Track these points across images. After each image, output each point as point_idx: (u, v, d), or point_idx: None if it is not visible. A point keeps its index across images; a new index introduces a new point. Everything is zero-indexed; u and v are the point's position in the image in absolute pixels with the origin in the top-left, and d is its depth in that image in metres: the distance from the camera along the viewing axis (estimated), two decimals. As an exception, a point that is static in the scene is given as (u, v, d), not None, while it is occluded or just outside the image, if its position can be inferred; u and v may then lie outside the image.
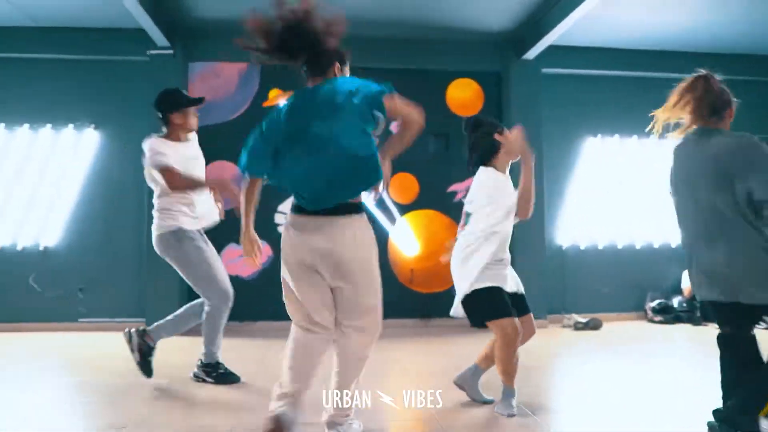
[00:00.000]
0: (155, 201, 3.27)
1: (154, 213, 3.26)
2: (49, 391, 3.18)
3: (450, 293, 5.79)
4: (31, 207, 5.45)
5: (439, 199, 5.73)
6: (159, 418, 2.63)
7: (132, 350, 3.16)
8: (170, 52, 5.33)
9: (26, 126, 5.44)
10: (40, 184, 5.45)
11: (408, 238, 5.66)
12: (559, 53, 5.65)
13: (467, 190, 5.71)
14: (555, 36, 5.00)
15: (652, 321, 5.67)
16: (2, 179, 5.41)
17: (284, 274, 2.24)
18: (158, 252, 3.23)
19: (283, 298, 2.26)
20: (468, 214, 2.83)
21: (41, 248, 5.40)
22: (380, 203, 5.67)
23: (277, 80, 5.67)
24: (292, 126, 2.09)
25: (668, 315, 5.64)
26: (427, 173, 5.71)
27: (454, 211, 5.70)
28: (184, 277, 3.31)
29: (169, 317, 3.30)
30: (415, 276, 5.67)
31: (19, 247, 5.39)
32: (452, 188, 5.75)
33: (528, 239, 5.56)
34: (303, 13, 2.06)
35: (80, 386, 3.30)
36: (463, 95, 5.83)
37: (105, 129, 5.51)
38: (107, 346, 4.37)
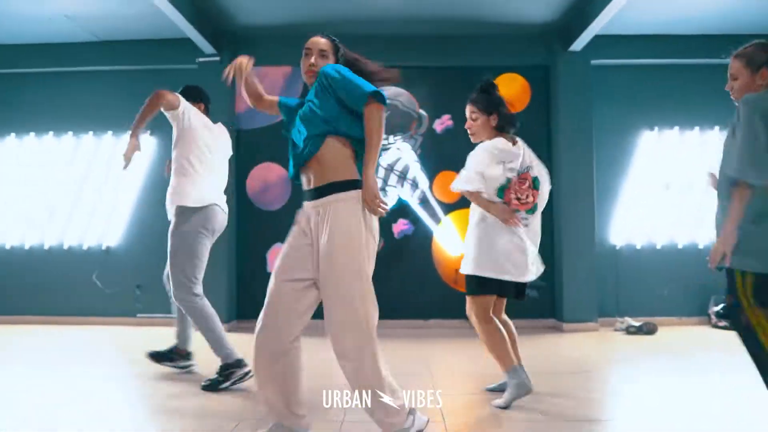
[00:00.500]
0: None
1: None
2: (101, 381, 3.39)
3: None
4: (95, 209, 5.84)
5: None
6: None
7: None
8: (217, 58, 5.53)
9: (90, 133, 5.84)
10: (103, 188, 5.83)
11: (453, 237, 5.56)
12: (609, 43, 5.36)
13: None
14: (600, 25, 4.74)
15: (716, 326, 5.25)
16: (70, 184, 5.83)
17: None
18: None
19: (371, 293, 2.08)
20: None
21: (104, 248, 5.76)
22: (424, 202, 5.62)
23: (320, 82, 5.74)
24: None
25: (735, 320, 5.21)
26: (471, 171, 5.60)
27: (499, 209, 5.58)
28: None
29: None
30: (460, 277, 5.55)
31: (84, 247, 5.79)
32: (494, 186, 5.60)
33: (577, 238, 5.34)
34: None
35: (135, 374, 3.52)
36: (509, 91, 5.65)
37: (159, 135, 5.79)
38: (159, 340, 4.61)
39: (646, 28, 5.29)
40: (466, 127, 3.04)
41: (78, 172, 5.82)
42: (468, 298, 2.88)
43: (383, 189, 5.61)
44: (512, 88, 5.67)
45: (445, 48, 5.66)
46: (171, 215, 3.32)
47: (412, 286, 5.56)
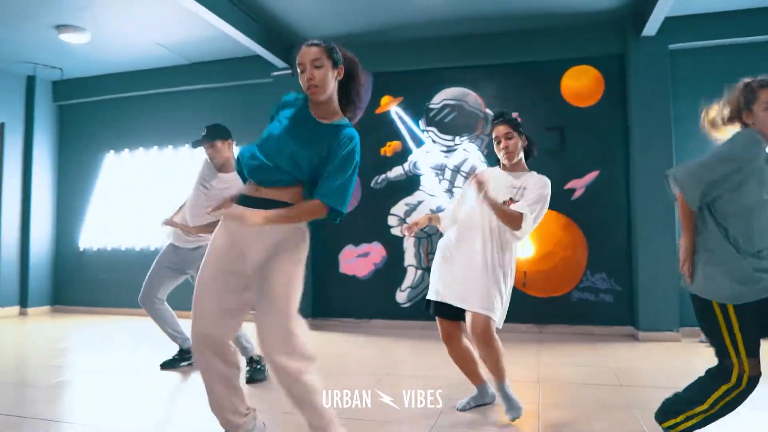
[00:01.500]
0: None
1: None
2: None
3: (569, 298, 5.43)
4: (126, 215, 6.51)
5: (554, 197, 5.30)
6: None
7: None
8: (289, 71, 5.85)
9: (186, 146, 6.48)
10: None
11: (520, 239, 5.39)
12: (687, 24, 4.86)
13: (586, 187, 5.32)
14: (670, 4, 4.30)
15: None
16: (169, 192, 6.51)
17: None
18: None
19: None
20: None
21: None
22: (490, 203, 5.50)
23: (388, 88, 5.85)
24: None
25: None
26: (540, 170, 5.35)
27: (571, 209, 5.31)
28: None
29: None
30: (528, 279, 5.39)
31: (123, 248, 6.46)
32: (570, 185, 5.33)
33: (655, 241, 4.92)
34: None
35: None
36: (580, 84, 5.34)
37: (244, 145, 6.26)
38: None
39: (729, 3, 4.71)
40: (502, 147, 2.80)
41: (175, 181, 6.50)
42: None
43: (450, 190, 5.59)
44: (584, 80, 5.35)
45: (511, 44, 5.48)
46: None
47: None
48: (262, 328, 1.93)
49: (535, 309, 5.33)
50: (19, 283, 6.55)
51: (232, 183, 3.48)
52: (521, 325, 5.26)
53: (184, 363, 3.82)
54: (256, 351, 3.49)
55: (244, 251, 1.96)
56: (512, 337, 4.99)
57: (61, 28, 5.25)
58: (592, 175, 5.31)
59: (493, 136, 2.85)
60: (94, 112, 6.91)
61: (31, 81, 6.69)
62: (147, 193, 6.62)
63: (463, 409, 2.80)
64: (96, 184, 6.87)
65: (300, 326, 1.97)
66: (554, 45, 5.35)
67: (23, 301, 6.54)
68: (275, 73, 5.92)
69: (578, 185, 5.33)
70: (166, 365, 3.78)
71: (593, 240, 5.25)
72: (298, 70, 2.01)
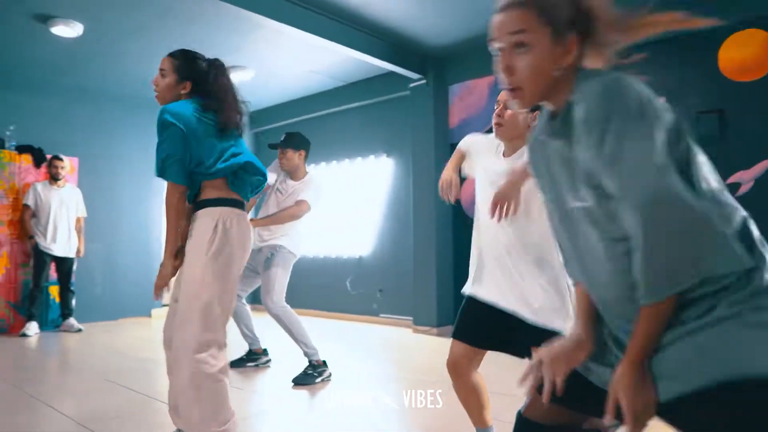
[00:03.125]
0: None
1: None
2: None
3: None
4: (351, 225, 6.99)
5: (713, 193, 4.46)
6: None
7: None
8: (423, 81, 5.97)
9: (346, 160, 7.04)
10: (356, 205, 6.93)
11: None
12: None
13: (755, 180, 4.47)
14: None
15: None
16: (332, 204, 7.12)
17: None
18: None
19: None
20: None
21: (357, 257, 6.86)
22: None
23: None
24: None
25: None
26: (695, 163, 4.54)
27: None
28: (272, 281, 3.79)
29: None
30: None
31: (344, 256, 7.00)
32: (734, 178, 4.40)
33: None
34: None
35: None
36: (744, 53, 4.37)
37: (395, 156, 6.57)
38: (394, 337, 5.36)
39: None
40: (497, 116, 2.08)
41: (342, 194, 7.10)
42: None
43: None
44: (750, 48, 4.35)
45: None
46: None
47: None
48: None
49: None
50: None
51: (295, 190, 3.88)
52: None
53: (251, 364, 4.11)
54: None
55: None
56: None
57: (231, 69, 6.22)
58: (762, 165, 4.30)
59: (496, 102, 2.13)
60: (275, 137, 7.96)
61: (232, 114, 8.02)
62: (327, 205, 7.35)
63: None
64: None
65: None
66: (708, 10, 4.47)
67: (229, 299, 7.84)
68: (412, 85, 6.09)
69: (745, 178, 4.36)
70: (233, 364, 3.98)
71: (767, 244, 4.24)
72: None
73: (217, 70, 2.27)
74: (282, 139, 3.96)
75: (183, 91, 2.24)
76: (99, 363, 4.31)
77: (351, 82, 6.76)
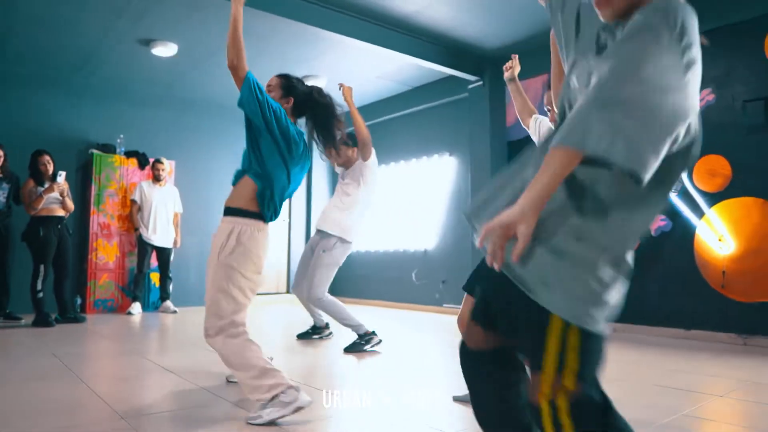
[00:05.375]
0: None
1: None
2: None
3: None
4: (418, 219, 7.43)
5: (761, 183, 4.48)
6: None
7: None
8: (480, 83, 6.31)
9: (413, 159, 7.49)
10: (421, 202, 7.36)
11: (719, 233, 4.67)
12: None
13: None
14: None
15: None
16: (399, 201, 7.60)
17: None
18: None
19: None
20: None
21: (423, 250, 7.27)
22: (683, 194, 4.92)
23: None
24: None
25: None
26: (742, 151, 4.57)
27: (784, 196, 4.40)
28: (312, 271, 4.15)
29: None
30: (728, 280, 4.61)
31: (411, 250, 7.44)
32: (785, 169, 4.40)
33: None
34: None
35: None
36: (791, 42, 4.38)
37: (456, 155, 6.94)
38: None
39: None
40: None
41: (409, 192, 7.56)
42: None
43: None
44: (798, 37, 4.36)
45: (697, 10, 4.83)
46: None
47: (672, 289, 4.91)
48: None
49: (738, 316, 4.53)
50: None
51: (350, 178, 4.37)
52: (720, 334, 4.56)
53: (315, 336, 4.63)
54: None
55: None
56: (709, 347, 4.35)
57: (305, 77, 6.85)
58: (812, 153, 4.28)
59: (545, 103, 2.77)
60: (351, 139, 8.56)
61: (310, 121, 8.72)
62: (394, 202, 7.86)
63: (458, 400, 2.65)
64: (355, 197, 8.49)
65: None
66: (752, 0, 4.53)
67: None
68: (470, 87, 6.45)
69: (794, 166, 4.36)
70: (300, 336, 4.64)
71: None
72: None
73: (315, 92, 2.70)
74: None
75: (288, 106, 2.60)
76: (190, 335, 5.03)
77: (414, 86, 7.22)
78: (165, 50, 5.82)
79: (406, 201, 7.49)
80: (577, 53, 1.24)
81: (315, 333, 4.69)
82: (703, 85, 4.85)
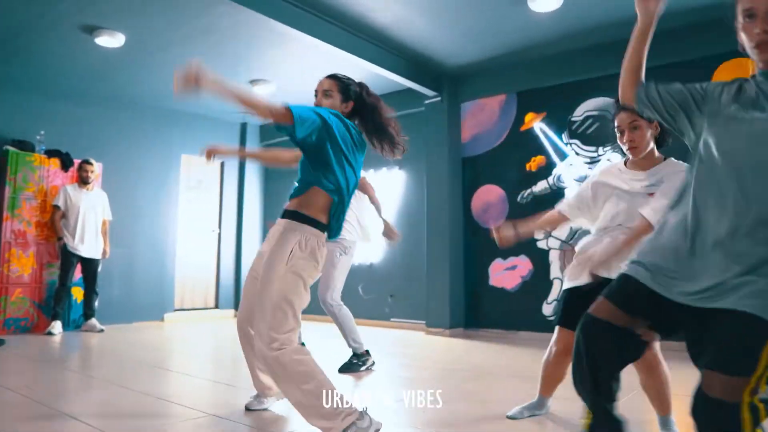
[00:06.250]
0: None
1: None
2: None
3: None
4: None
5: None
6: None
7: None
8: (439, 99, 6.40)
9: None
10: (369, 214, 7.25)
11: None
12: None
13: None
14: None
15: None
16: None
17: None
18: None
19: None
20: None
21: (368, 264, 7.17)
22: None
23: (530, 105, 6.04)
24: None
25: None
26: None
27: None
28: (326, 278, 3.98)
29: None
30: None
31: (356, 263, 7.30)
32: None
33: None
34: None
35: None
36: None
37: (406, 169, 6.94)
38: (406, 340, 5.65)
39: None
40: (627, 140, 2.40)
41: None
42: None
43: (595, 202, 5.51)
44: (741, 74, 4.90)
45: (652, 46, 5.24)
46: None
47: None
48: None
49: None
50: (234, 291, 8.06)
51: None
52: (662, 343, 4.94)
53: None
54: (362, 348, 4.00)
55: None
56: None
57: (254, 82, 6.55)
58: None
59: (616, 125, 2.43)
60: (290, 147, 8.25)
61: (243, 126, 8.30)
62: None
63: (514, 418, 2.70)
64: (291, 208, 8.17)
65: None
66: (702, 40, 5.02)
67: (237, 305, 8.03)
68: (427, 102, 6.51)
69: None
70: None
71: None
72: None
73: (364, 90, 2.49)
74: None
75: (347, 110, 2.43)
76: (143, 356, 4.52)
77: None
78: (111, 41, 5.26)
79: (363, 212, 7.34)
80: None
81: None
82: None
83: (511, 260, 6.02)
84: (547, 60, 5.83)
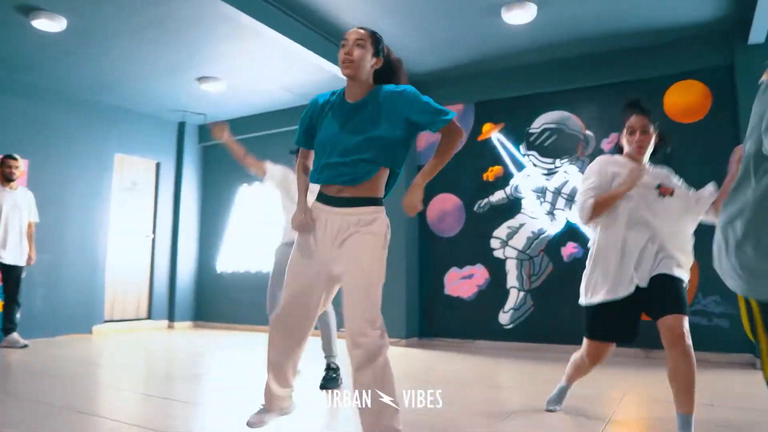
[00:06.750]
0: None
1: None
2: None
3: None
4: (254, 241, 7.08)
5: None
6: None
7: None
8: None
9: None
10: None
11: (626, 260, 5.27)
12: (801, 30, 4.59)
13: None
14: (771, 12, 4.16)
15: None
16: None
17: None
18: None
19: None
20: None
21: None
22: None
23: (489, 115, 6.10)
24: None
25: None
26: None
27: (679, 229, 5.11)
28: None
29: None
30: (634, 301, 5.22)
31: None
32: (678, 204, 5.15)
33: None
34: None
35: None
36: (685, 99, 5.21)
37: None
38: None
39: None
40: (636, 140, 2.66)
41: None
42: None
43: (551, 213, 5.64)
44: (691, 95, 5.20)
45: (610, 65, 5.49)
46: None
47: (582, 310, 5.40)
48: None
49: (641, 332, 5.13)
50: (168, 301, 7.54)
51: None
52: (627, 350, 5.11)
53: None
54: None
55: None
56: (617, 361, 4.84)
57: (202, 79, 6.17)
58: (702, 193, 5.10)
59: (628, 124, 2.68)
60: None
61: (181, 126, 7.82)
62: (275, 220, 7.37)
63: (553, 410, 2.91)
64: (231, 213, 7.78)
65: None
66: (656, 61, 5.28)
67: (171, 316, 7.52)
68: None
69: (687, 204, 5.14)
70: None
71: (705, 260, 4.99)
72: (340, 45, 2.11)
73: (390, 52, 2.24)
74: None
75: (376, 66, 2.15)
76: (83, 371, 4.08)
77: (319, 101, 6.94)
78: (50, 24, 4.75)
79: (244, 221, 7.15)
80: None
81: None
82: (614, 130, 5.49)
83: (468, 269, 6.03)
84: (508, 71, 5.91)
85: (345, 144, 2.08)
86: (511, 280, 5.79)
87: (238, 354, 5.39)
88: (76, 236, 6.51)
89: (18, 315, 5.46)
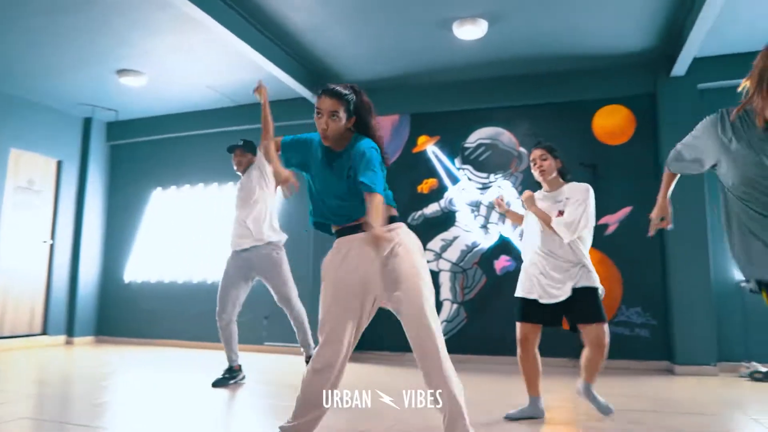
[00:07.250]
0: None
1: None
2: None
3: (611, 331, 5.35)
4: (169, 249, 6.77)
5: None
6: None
7: None
8: (330, 112, 6.17)
9: (230, 183, 6.79)
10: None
11: (555, 273, 5.47)
12: (716, 64, 5.04)
13: (619, 222, 5.40)
14: (696, 46, 4.51)
15: None
16: (212, 227, 6.76)
17: None
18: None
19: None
20: None
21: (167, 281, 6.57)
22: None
23: (425, 127, 6.11)
24: None
25: None
26: (574, 206, 5.50)
27: (604, 244, 5.37)
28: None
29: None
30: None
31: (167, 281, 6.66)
32: (603, 221, 5.43)
33: (689, 273, 4.97)
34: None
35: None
36: (611, 122, 5.53)
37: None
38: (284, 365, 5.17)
39: (755, 44, 4.88)
40: (537, 167, 3.28)
41: (221, 217, 6.78)
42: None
43: (485, 226, 5.74)
44: (616, 119, 5.53)
45: (544, 85, 5.72)
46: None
47: (513, 322, 5.52)
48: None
49: (569, 343, 5.34)
50: (67, 314, 6.82)
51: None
52: (555, 359, 5.28)
53: (232, 381, 4.12)
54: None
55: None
56: (546, 371, 4.99)
57: (121, 72, 5.67)
58: (625, 211, 5.42)
59: (530, 159, 3.30)
60: (144, 151, 7.31)
61: (87, 122, 7.15)
62: (191, 227, 6.91)
63: (510, 419, 3.08)
64: (142, 219, 7.20)
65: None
66: (586, 85, 5.57)
67: (70, 331, 6.79)
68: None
69: (611, 221, 5.43)
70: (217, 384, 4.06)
71: (628, 274, 5.31)
72: (315, 112, 2.22)
73: (360, 96, 2.32)
74: (240, 143, 4.53)
75: (350, 125, 2.27)
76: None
77: (248, 104, 6.61)
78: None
79: (215, 226, 6.72)
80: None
81: (232, 377, 4.19)
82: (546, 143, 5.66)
83: (400, 281, 5.96)
84: (445, 86, 5.97)
85: (337, 190, 2.29)
86: (445, 293, 5.81)
87: (146, 372, 4.94)
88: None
89: None
